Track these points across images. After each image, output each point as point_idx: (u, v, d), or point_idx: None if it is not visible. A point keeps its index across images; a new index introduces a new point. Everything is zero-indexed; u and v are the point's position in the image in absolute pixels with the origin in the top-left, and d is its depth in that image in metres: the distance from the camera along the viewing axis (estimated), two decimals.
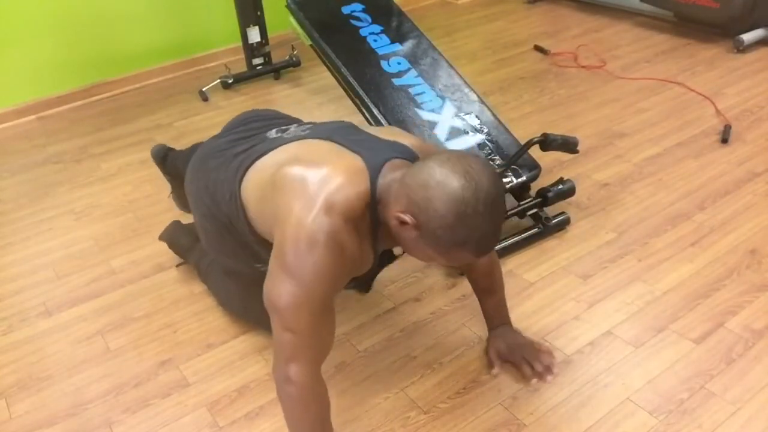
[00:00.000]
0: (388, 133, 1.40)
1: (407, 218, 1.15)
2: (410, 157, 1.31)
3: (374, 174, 1.24)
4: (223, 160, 1.49)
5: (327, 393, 1.28)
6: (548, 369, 1.54)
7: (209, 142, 1.64)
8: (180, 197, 2.15)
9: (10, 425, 1.57)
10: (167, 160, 2.10)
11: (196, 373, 1.67)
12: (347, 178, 1.22)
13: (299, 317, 1.19)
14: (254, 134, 1.54)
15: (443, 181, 1.12)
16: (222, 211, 1.47)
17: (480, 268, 1.55)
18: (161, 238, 2.06)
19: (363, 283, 1.45)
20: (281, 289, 1.20)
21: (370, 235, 1.27)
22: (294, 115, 1.72)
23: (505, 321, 1.63)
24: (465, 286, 1.58)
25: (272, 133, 1.49)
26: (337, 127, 1.45)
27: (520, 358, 1.57)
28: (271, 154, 1.39)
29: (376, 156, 1.27)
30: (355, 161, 1.26)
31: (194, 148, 1.99)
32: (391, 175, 1.24)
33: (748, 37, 3.19)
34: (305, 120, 1.63)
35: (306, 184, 1.23)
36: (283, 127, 1.51)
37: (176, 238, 2.03)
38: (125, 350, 1.76)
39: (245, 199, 1.39)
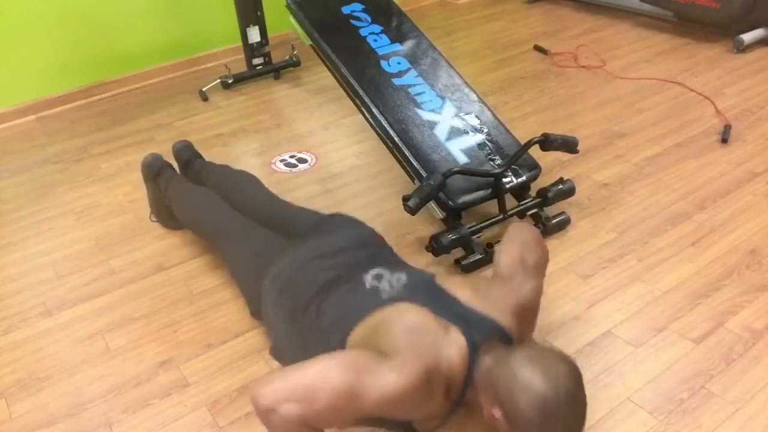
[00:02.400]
0: (479, 297, 1.40)
1: (499, 417, 1.21)
2: (503, 337, 1.34)
3: (473, 355, 1.28)
4: (321, 303, 1.45)
5: None
6: None
7: (306, 261, 1.56)
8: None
9: (10, 425, 1.57)
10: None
11: (196, 373, 1.67)
12: (456, 351, 1.26)
13: (336, 395, 1.15)
14: (349, 275, 1.49)
15: (525, 383, 1.17)
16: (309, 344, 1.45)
17: None
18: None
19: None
20: (351, 366, 1.18)
21: (451, 407, 1.30)
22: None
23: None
24: None
25: (368, 280, 1.45)
26: (429, 288, 1.44)
27: None
28: (373, 315, 1.36)
29: (473, 332, 1.30)
30: (460, 338, 1.29)
31: (244, 189, 1.99)
32: (485, 362, 1.28)
33: (748, 37, 3.19)
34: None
35: (426, 333, 1.26)
36: (377, 273, 1.47)
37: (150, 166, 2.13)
38: (125, 350, 1.76)
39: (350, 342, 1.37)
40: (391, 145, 2.15)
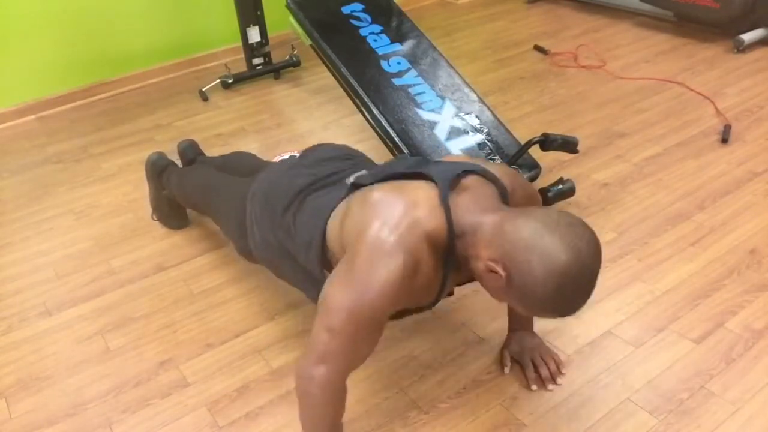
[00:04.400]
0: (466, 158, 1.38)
1: (499, 270, 1.13)
2: (489, 177, 1.29)
3: (445, 196, 1.22)
4: (302, 204, 1.46)
5: (345, 398, 1.27)
6: (551, 377, 1.55)
7: (282, 173, 1.58)
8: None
9: (10, 425, 1.57)
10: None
11: (196, 373, 1.67)
12: (429, 207, 1.21)
13: (347, 323, 1.16)
14: (332, 178, 1.49)
15: (549, 251, 1.08)
16: (295, 252, 1.46)
17: None
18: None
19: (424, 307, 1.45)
20: (341, 290, 1.18)
21: (443, 267, 1.25)
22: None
23: (527, 327, 1.63)
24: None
25: (350, 179, 1.45)
26: (407, 163, 1.43)
27: (528, 360, 1.57)
28: (347, 201, 1.36)
29: (444, 176, 1.25)
30: (430, 190, 1.24)
31: (238, 158, 2.00)
32: (470, 204, 1.22)
33: (748, 37, 3.19)
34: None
35: (392, 206, 1.21)
36: (360, 174, 1.46)
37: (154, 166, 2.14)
38: (125, 350, 1.76)
39: (328, 237, 1.36)
40: (391, 145, 2.15)
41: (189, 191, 2.01)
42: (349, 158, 1.61)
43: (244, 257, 1.73)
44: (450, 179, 1.24)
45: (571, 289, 1.10)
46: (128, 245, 2.18)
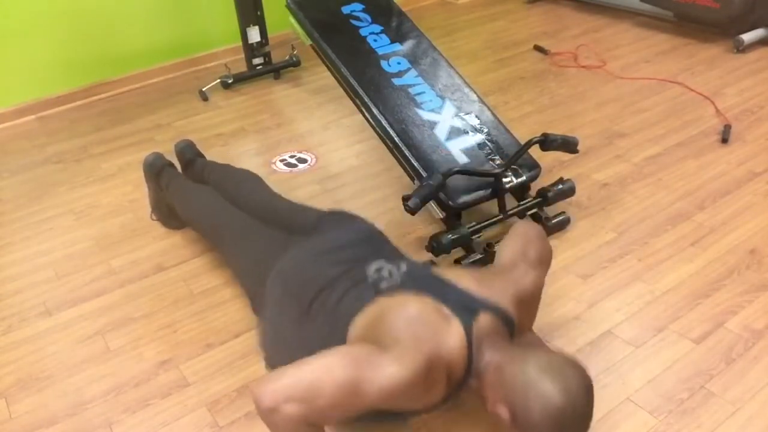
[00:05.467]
0: (479, 284, 1.40)
1: (505, 414, 1.21)
2: (503, 318, 1.35)
3: (470, 340, 1.27)
4: (325, 301, 1.45)
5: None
6: None
7: (306, 261, 1.56)
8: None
9: (10, 425, 1.57)
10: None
11: (196, 373, 1.67)
12: (458, 342, 1.26)
13: (334, 391, 1.15)
14: (352, 270, 1.49)
15: (544, 394, 1.16)
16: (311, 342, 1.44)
17: None
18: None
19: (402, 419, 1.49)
20: (349, 363, 1.17)
21: (449, 396, 1.30)
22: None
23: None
24: None
25: (370, 273, 1.46)
26: (428, 276, 1.45)
27: None
28: (373, 306, 1.37)
29: (470, 316, 1.30)
30: (458, 325, 1.28)
31: (246, 187, 1.98)
32: (492, 355, 1.28)
33: (748, 37, 3.19)
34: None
35: (429, 326, 1.26)
36: (378, 266, 1.48)
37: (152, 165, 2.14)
38: (125, 350, 1.76)
39: (349, 338, 1.36)
40: (391, 145, 2.15)
41: (194, 217, 2.01)
42: (368, 241, 1.62)
43: (253, 310, 1.75)
44: (472, 318, 1.30)
45: (569, 427, 1.18)
46: (128, 245, 2.18)
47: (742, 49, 3.20)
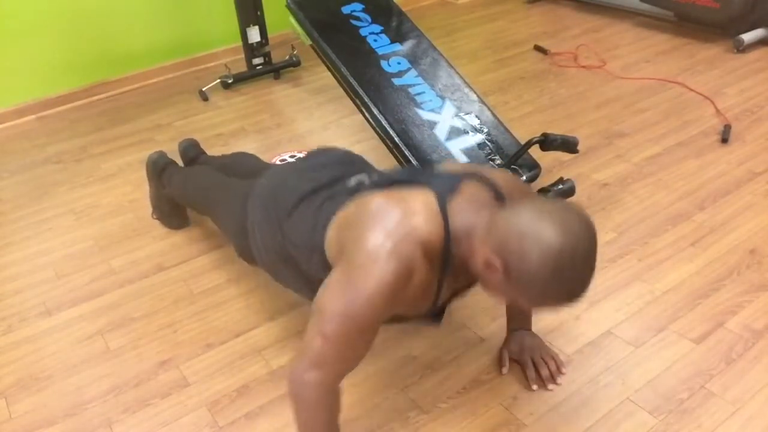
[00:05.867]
0: (465, 166, 1.39)
1: (496, 263, 1.13)
2: (488, 184, 1.30)
3: (443, 202, 1.23)
4: (305, 209, 1.46)
5: (339, 400, 1.27)
6: (552, 377, 1.55)
7: (284, 177, 1.58)
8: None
9: (10, 425, 1.57)
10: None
11: (196, 373, 1.67)
12: (427, 214, 1.21)
13: (341, 328, 1.16)
14: (333, 183, 1.50)
15: (542, 234, 1.08)
16: (297, 257, 1.46)
17: None
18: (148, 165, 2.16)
19: (432, 319, 1.45)
20: (334, 296, 1.18)
21: (440, 273, 1.25)
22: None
23: (526, 326, 1.63)
24: None
25: (350, 183, 1.46)
26: (404, 173, 1.44)
27: (527, 360, 1.57)
28: (346, 208, 1.37)
29: (444, 184, 1.27)
30: (429, 197, 1.24)
31: (240, 160, 2.00)
32: (467, 208, 1.23)
33: (748, 37, 3.19)
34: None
35: (390, 213, 1.22)
36: (358, 178, 1.48)
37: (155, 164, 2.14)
38: (125, 350, 1.76)
39: (328, 243, 1.36)
40: (391, 145, 2.15)
41: (190, 192, 2.01)
42: (351, 163, 1.61)
43: (243, 259, 1.73)
44: (448, 186, 1.26)
45: (569, 270, 1.09)
46: (128, 245, 2.18)
47: (742, 49, 3.20)
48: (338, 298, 1.17)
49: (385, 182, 1.35)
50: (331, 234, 1.35)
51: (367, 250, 1.17)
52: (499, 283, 1.16)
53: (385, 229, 1.19)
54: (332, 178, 1.51)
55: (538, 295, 1.13)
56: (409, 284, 1.19)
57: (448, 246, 1.22)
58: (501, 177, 1.37)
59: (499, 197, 1.31)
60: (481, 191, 1.29)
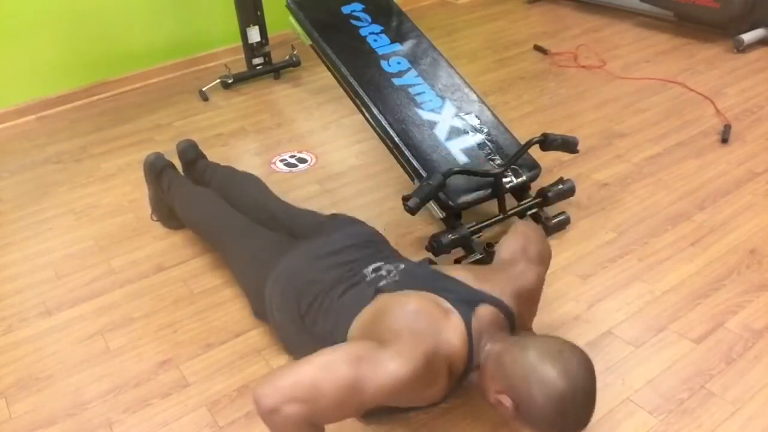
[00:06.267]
0: (478, 279, 1.42)
1: (507, 403, 1.22)
2: (503, 310, 1.37)
3: (469, 327, 1.29)
4: (324, 300, 1.47)
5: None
6: None
7: (305, 264, 1.57)
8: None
9: (10, 425, 1.57)
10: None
11: (196, 373, 1.67)
12: (458, 335, 1.27)
13: (342, 389, 1.15)
14: (350, 272, 1.50)
15: (546, 380, 1.18)
16: (315, 340, 1.45)
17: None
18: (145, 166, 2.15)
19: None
20: (353, 359, 1.17)
21: (450, 389, 1.31)
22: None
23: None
24: None
25: (369, 274, 1.47)
26: (427, 273, 1.47)
27: None
28: (372, 305, 1.38)
29: (469, 309, 1.32)
30: (458, 318, 1.30)
31: (244, 187, 2.01)
32: (485, 338, 1.30)
33: (748, 37, 3.19)
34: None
35: (429, 320, 1.27)
36: (376, 266, 1.49)
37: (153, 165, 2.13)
38: (125, 350, 1.76)
39: (350, 336, 1.37)
40: (391, 145, 2.15)
41: (195, 220, 2.01)
42: (368, 245, 1.62)
43: (258, 319, 1.77)
44: (470, 307, 1.32)
45: (572, 408, 1.19)
46: (128, 245, 2.18)
47: (742, 49, 3.20)
48: (355, 363, 1.17)
49: (409, 283, 1.40)
50: (356, 326, 1.36)
51: (402, 343, 1.21)
52: (510, 417, 1.25)
53: (424, 332, 1.24)
54: (351, 263, 1.53)
55: (545, 429, 1.22)
56: (422, 389, 1.24)
57: (467, 371, 1.30)
58: (510, 288, 1.41)
59: (511, 320, 1.37)
60: (496, 319, 1.35)
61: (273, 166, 2.59)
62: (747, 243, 1.97)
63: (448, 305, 1.31)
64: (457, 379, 1.30)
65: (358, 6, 2.54)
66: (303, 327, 1.49)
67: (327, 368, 1.16)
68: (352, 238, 1.63)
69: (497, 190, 2.01)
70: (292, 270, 1.57)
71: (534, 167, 2.10)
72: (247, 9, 3.18)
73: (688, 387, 1.52)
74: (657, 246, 1.99)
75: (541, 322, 1.71)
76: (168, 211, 2.18)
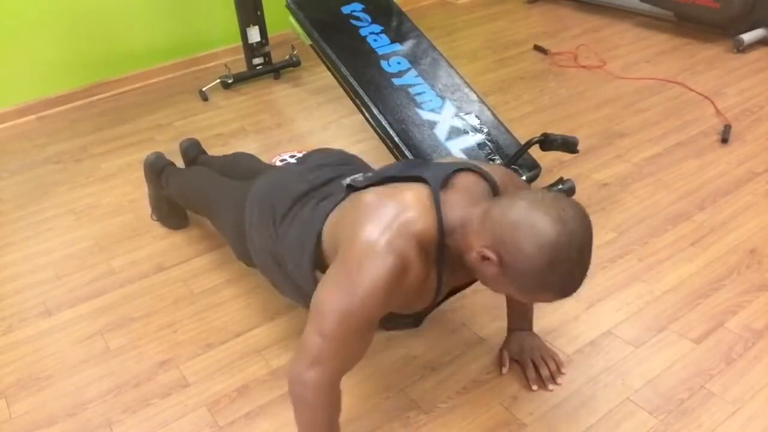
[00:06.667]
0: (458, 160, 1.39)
1: (491, 255, 1.12)
2: (482, 174, 1.30)
3: (436, 195, 1.22)
4: (300, 210, 1.47)
5: (340, 400, 1.27)
6: (552, 377, 1.55)
7: (281, 179, 1.59)
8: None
9: (10, 425, 1.57)
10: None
11: (196, 373, 1.67)
12: (420, 208, 1.21)
13: (339, 326, 1.16)
14: (329, 184, 1.51)
15: (536, 225, 1.07)
16: (286, 259, 1.46)
17: None
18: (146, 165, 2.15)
19: (416, 320, 1.45)
20: (331, 293, 1.18)
21: (437, 266, 1.24)
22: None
23: (527, 327, 1.63)
24: None
25: (346, 181, 1.46)
26: (398, 166, 1.45)
27: (527, 360, 1.57)
28: (341, 206, 1.38)
29: (437, 174, 1.26)
30: (422, 190, 1.24)
31: (239, 160, 2.00)
32: (461, 199, 1.23)
33: (748, 37, 3.19)
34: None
35: (383, 208, 1.21)
36: (354, 177, 1.48)
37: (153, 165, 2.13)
38: (125, 350, 1.76)
39: (324, 241, 1.37)
40: (391, 145, 2.15)
41: (188, 193, 2.01)
42: (347, 163, 1.62)
43: (242, 261, 1.73)
44: (441, 178, 1.26)
45: (565, 261, 1.08)
46: (128, 245, 2.18)
47: (742, 49, 3.20)
48: (335, 295, 1.17)
49: (378, 179, 1.35)
50: (328, 232, 1.36)
51: (361, 247, 1.17)
52: (494, 276, 1.15)
53: (379, 224, 1.19)
54: (328, 178, 1.52)
55: (533, 288, 1.13)
56: (406, 278, 1.19)
57: (442, 238, 1.22)
58: (497, 170, 1.38)
59: (494, 188, 1.31)
60: (476, 183, 1.29)
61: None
62: (747, 243, 1.97)
63: (410, 184, 1.26)
64: (435, 250, 1.22)
65: (358, 6, 2.54)
66: (276, 240, 1.48)
67: (319, 327, 1.18)
68: (330, 157, 1.63)
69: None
70: (268, 184, 1.58)
71: (534, 167, 2.10)
72: (247, 9, 3.18)
73: (688, 387, 1.52)
74: (657, 246, 1.99)
75: (541, 322, 1.71)
76: (168, 210, 2.18)
